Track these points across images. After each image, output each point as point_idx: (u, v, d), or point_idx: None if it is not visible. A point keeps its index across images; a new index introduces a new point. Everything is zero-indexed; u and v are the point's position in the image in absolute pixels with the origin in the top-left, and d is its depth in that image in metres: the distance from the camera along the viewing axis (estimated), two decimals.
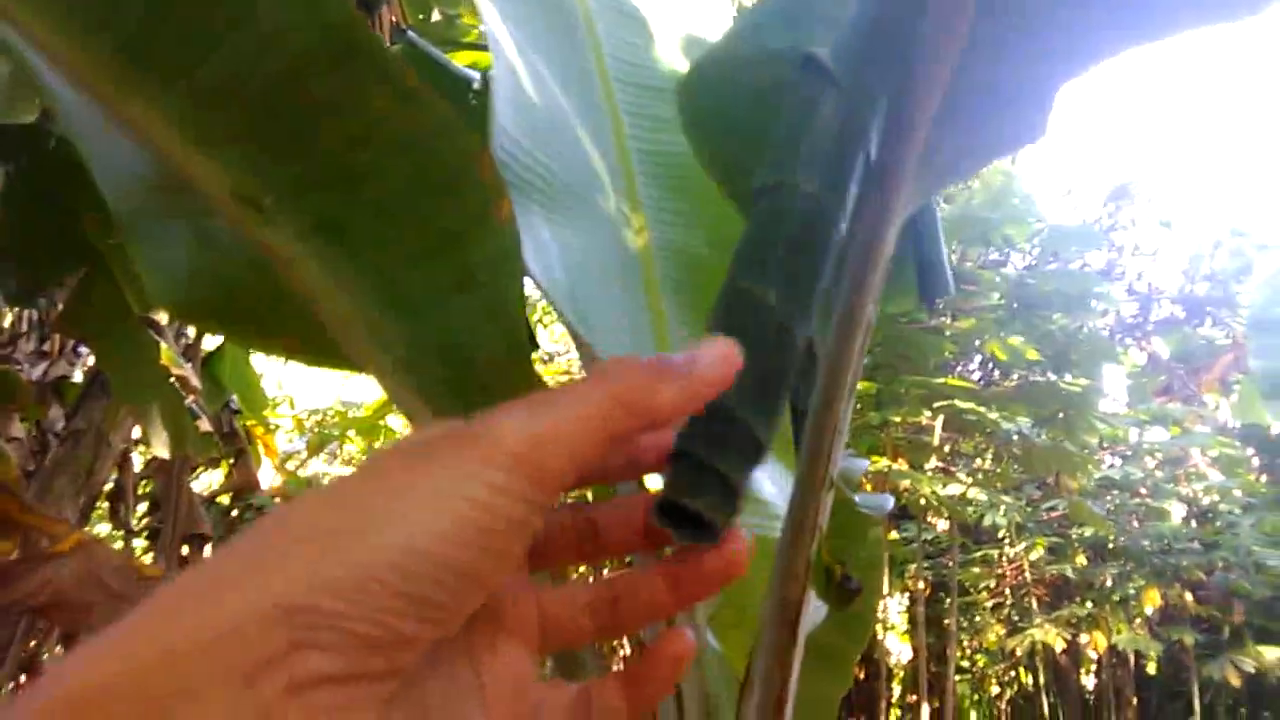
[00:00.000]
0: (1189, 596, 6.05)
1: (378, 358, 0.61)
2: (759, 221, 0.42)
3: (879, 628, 6.44)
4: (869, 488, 4.95)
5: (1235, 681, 5.68)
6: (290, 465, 5.51)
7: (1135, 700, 7.77)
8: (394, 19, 4.58)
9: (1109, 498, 6.19)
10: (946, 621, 6.74)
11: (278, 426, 6.72)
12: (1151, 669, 6.45)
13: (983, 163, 0.69)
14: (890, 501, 1.88)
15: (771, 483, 1.10)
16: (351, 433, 6.83)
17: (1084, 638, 6.23)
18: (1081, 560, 6.57)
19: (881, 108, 0.44)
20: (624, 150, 1.11)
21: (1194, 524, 6.45)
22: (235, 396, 3.83)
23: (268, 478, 5.49)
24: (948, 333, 5.04)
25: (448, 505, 0.31)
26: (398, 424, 6.15)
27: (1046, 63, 0.68)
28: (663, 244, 0.93)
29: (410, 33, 1.84)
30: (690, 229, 0.93)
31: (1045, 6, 0.62)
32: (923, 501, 4.95)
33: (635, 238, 1.03)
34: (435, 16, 3.24)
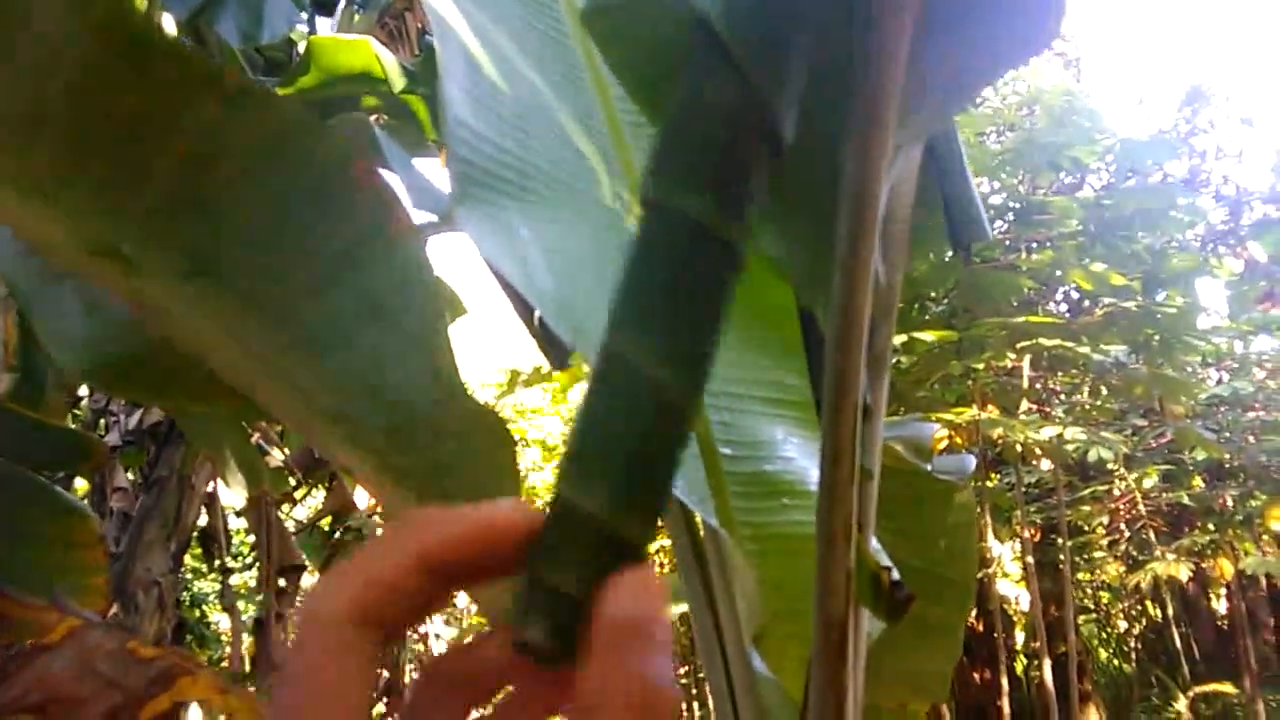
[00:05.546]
0: None
1: (296, 410, 0.53)
2: (637, 257, 0.34)
3: (993, 575, 6.23)
4: (959, 441, 4.76)
5: None
6: None
7: (1273, 621, 7.44)
8: (419, 25, 4.52)
9: (1221, 416, 5.88)
10: (1061, 563, 6.52)
11: None
12: None
13: (985, 80, 0.57)
14: (972, 462, 1.75)
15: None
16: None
17: (1209, 563, 5.96)
18: (1198, 484, 6.28)
19: (797, 79, 0.34)
20: (617, 125, 1.01)
21: None
22: None
23: (364, 497, 5.52)
24: (1025, 268, 4.80)
25: None
26: None
27: None
28: None
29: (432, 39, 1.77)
30: None
31: None
32: (1019, 448, 4.74)
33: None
34: None
